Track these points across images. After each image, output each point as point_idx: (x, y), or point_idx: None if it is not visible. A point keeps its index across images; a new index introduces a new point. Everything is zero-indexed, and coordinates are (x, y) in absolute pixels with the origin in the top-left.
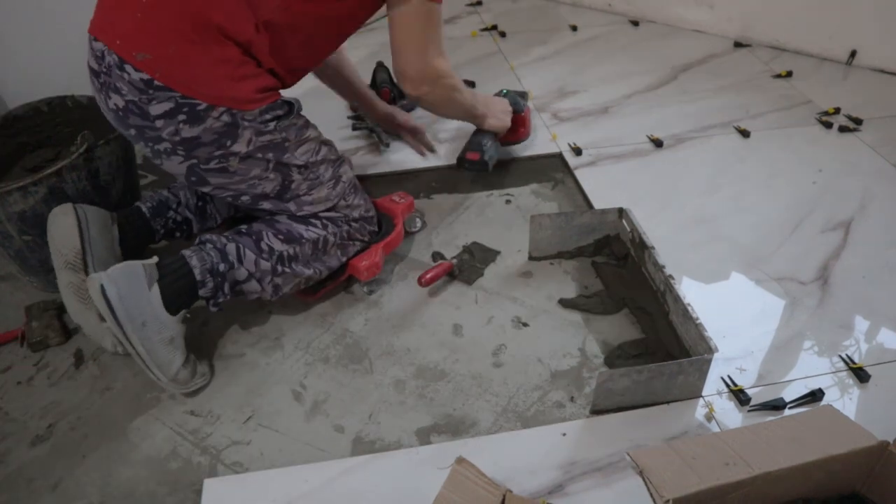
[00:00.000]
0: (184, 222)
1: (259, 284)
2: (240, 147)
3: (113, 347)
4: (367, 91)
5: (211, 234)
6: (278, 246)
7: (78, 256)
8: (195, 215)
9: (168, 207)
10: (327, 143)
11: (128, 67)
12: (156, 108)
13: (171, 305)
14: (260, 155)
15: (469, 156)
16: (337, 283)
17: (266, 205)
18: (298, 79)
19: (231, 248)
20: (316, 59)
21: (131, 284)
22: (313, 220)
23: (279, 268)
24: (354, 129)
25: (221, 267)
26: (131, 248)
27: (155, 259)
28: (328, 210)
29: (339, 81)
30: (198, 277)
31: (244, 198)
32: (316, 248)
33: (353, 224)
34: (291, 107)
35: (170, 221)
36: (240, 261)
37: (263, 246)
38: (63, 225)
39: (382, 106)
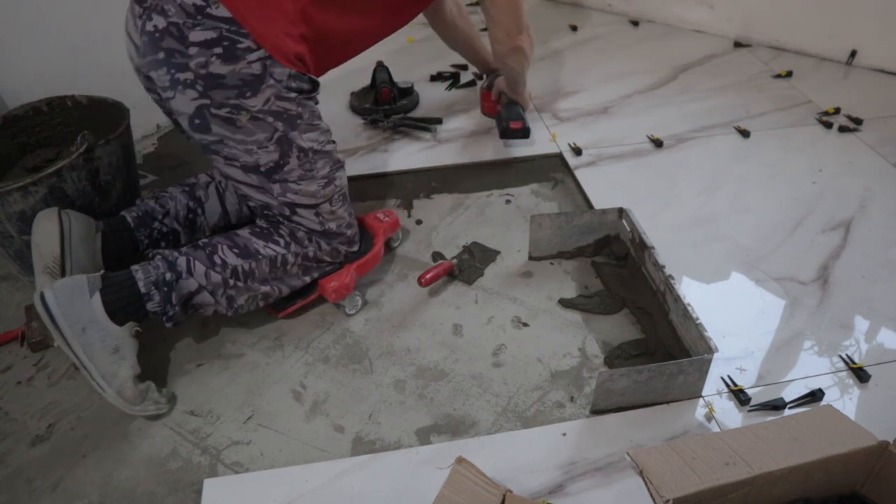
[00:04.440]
0: (170, 233)
1: (212, 297)
2: (256, 103)
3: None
4: (481, 47)
5: (164, 249)
6: (232, 260)
7: (56, 262)
8: (184, 227)
9: (153, 218)
10: (333, 142)
11: None
12: (197, 35)
13: (116, 315)
14: (271, 119)
15: (513, 125)
16: (307, 301)
17: (253, 178)
18: (322, 72)
19: (181, 260)
20: (348, 55)
21: (71, 291)
22: (276, 238)
23: (231, 281)
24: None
25: (167, 276)
26: (115, 257)
27: (101, 272)
28: (309, 208)
29: (456, 39)
30: (142, 290)
31: (235, 164)
32: (274, 267)
33: (324, 244)
34: (316, 86)
35: (154, 232)
36: (189, 272)
37: (216, 259)
38: (46, 230)
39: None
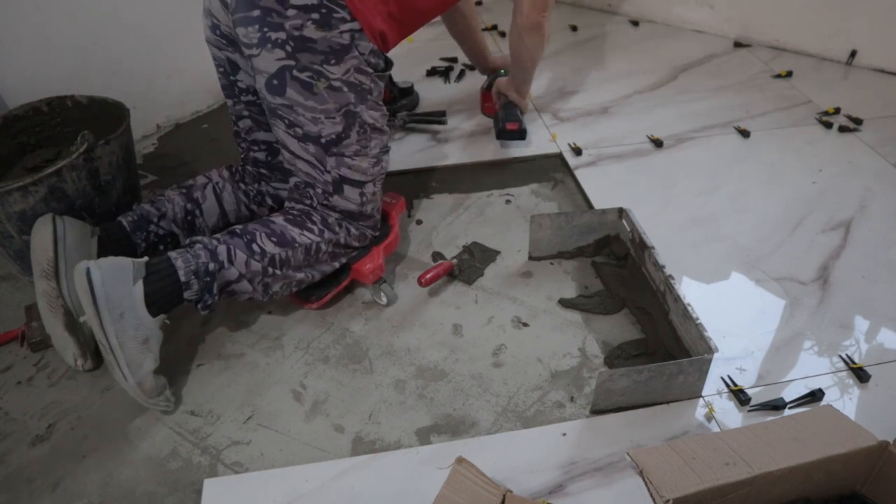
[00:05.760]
0: (167, 235)
1: (250, 284)
2: (337, 71)
3: (74, 361)
4: (483, 43)
5: (202, 236)
6: (270, 248)
7: (51, 264)
8: (182, 229)
9: (149, 221)
10: (388, 128)
11: None
12: None
13: (153, 305)
14: (346, 89)
15: (509, 126)
16: (340, 288)
17: (311, 148)
18: (392, 46)
19: (222, 249)
20: (411, 32)
21: (116, 274)
22: (310, 225)
23: (270, 269)
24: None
25: (211, 266)
26: None
27: (145, 259)
28: (355, 186)
29: (462, 28)
30: (182, 279)
31: (297, 130)
32: (308, 255)
33: (353, 229)
34: (389, 66)
35: (151, 235)
36: (230, 261)
37: (255, 247)
38: (40, 234)
39: (493, 59)
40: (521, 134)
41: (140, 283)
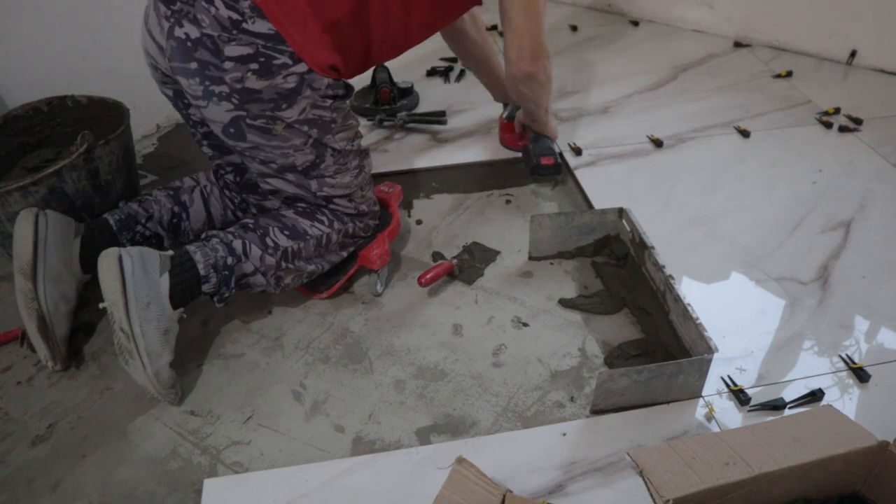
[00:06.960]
0: (152, 237)
1: (263, 277)
2: (292, 113)
3: (45, 361)
4: (498, 68)
5: (217, 231)
6: (283, 242)
7: (29, 265)
8: (168, 231)
9: (136, 222)
10: (360, 135)
11: (217, 1)
12: (232, 50)
13: (173, 298)
14: (306, 128)
15: (544, 161)
16: (347, 276)
17: (289, 177)
18: (357, 74)
19: (237, 243)
20: (391, 56)
21: (145, 264)
22: (320, 216)
23: (283, 263)
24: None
25: (229, 261)
26: (94, 261)
27: (170, 252)
28: (344, 197)
29: (467, 44)
30: (201, 272)
31: (271, 166)
32: (319, 245)
33: (358, 222)
34: (349, 90)
35: (137, 236)
36: (245, 255)
37: (269, 241)
38: (23, 231)
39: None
40: (556, 168)
41: (166, 276)
